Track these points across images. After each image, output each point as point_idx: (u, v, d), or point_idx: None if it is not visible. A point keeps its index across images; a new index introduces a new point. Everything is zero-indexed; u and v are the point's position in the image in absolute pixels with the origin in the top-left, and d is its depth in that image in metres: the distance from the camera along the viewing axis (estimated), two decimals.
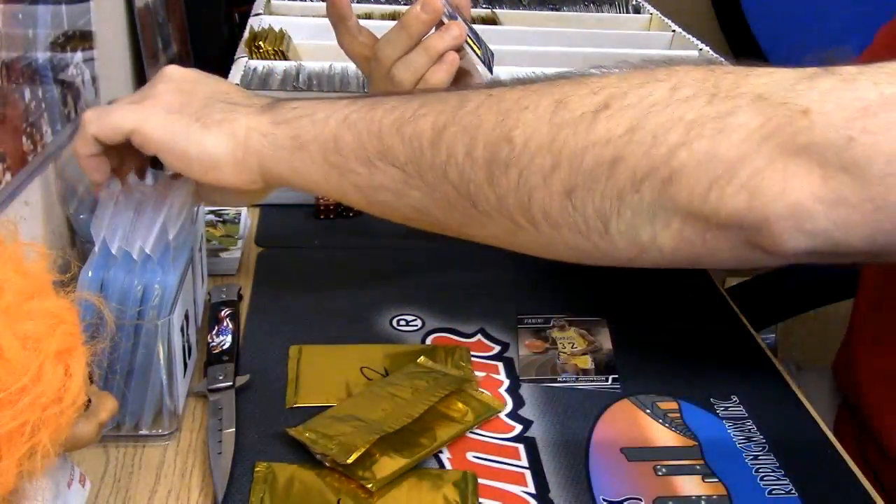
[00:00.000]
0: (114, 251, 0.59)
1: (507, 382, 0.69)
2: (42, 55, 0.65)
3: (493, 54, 0.78)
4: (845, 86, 0.45)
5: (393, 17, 1.25)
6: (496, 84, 0.56)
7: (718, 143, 0.45)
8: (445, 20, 0.71)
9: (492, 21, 1.27)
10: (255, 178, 0.60)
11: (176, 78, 0.60)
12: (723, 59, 1.09)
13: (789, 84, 0.46)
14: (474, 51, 0.73)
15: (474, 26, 0.77)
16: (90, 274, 0.58)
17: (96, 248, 0.59)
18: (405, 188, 0.55)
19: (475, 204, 0.52)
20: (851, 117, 0.44)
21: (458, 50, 0.72)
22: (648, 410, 0.67)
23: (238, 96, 0.60)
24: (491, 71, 0.76)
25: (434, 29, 0.72)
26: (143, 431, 0.61)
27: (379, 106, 0.55)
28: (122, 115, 0.57)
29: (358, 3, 1.29)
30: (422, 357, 0.69)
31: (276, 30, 1.10)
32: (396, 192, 0.55)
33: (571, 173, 0.48)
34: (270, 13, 1.22)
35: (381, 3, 1.30)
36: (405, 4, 1.30)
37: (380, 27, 1.18)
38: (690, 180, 0.45)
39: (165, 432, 0.61)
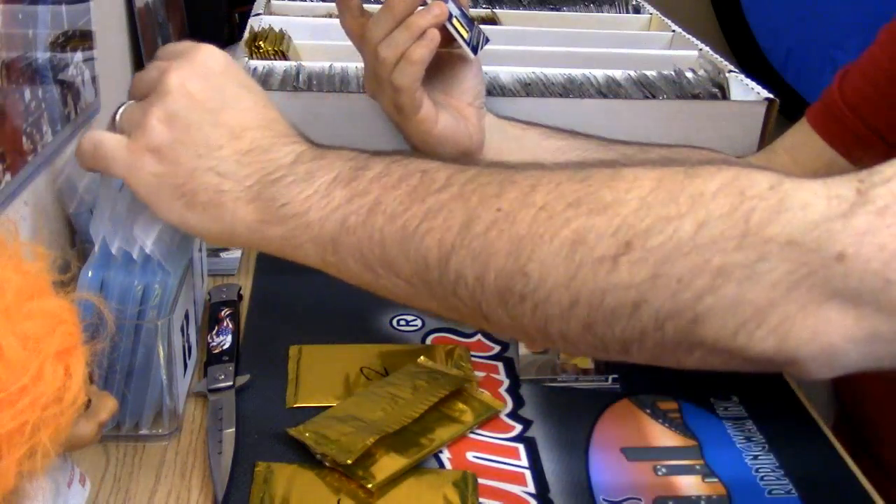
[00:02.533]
0: (114, 251, 0.59)
1: (507, 382, 0.69)
2: (42, 55, 0.65)
3: (487, 39, 0.78)
4: (881, 222, 0.41)
5: None
6: (500, 169, 0.50)
7: (747, 289, 0.43)
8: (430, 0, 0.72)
9: (492, 21, 1.27)
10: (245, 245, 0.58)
11: (177, 95, 0.54)
12: (723, 59, 1.09)
13: (823, 223, 0.42)
14: (459, 32, 0.74)
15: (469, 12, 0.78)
16: (90, 274, 0.58)
17: (96, 248, 0.59)
18: (412, 295, 0.52)
19: (487, 318, 0.49)
20: (890, 260, 0.41)
21: (443, 30, 0.73)
22: (648, 410, 0.67)
23: (229, 162, 0.53)
24: (476, 52, 0.76)
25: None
26: (143, 431, 0.61)
27: (377, 210, 0.50)
28: (111, 158, 0.54)
29: None
30: (422, 357, 0.69)
31: (276, 30, 1.10)
32: (404, 296, 0.52)
33: (591, 311, 0.45)
34: (270, 13, 1.22)
35: (382, 2, 1.30)
36: None
37: None
38: (717, 323, 0.43)
39: (165, 432, 0.61)
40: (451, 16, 0.72)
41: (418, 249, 0.49)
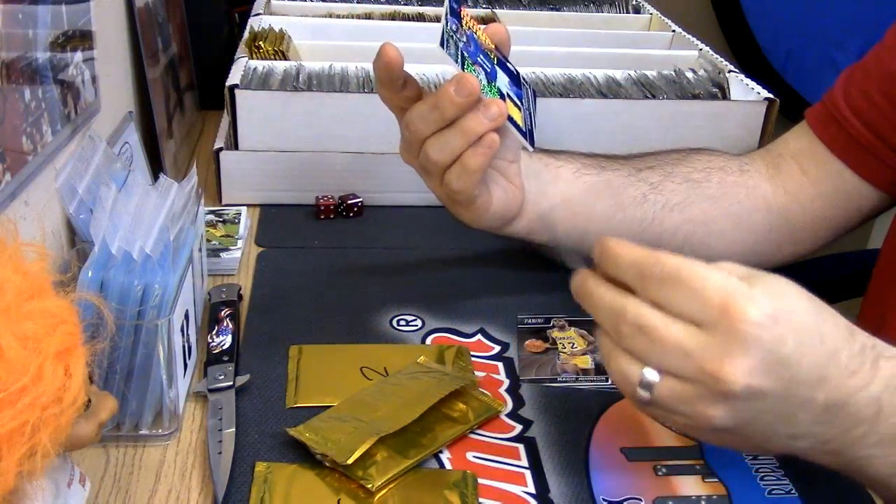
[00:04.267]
0: (114, 251, 0.59)
1: (507, 382, 0.69)
2: (42, 55, 0.65)
3: (535, 94, 0.67)
4: None
5: (392, 16, 1.25)
6: None
7: None
8: (484, 95, 0.62)
9: (492, 21, 1.27)
10: None
11: (745, 400, 0.46)
12: (723, 59, 1.09)
13: None
14: (516, 124, 0.64)
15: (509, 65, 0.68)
16: (90, 274, 0.58)
17: (96, 248, 0.59)
18: None
19: None
20: None
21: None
22: None
23: (807, 425, 0.48)
24: (533, 144, 0.65)
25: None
26: (143, 431, 0.61)
27: None
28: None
29: (358, 2, 1.29)
30: (422, 357, 0.69)
31: (276, 30, 1.10)
32: None
33: None
34: (270, 13, 1.22)
35: (381, 2, 1.30)
36: (405, 4, 1.30)
37: (380, 27, 1.19)
38: None
39: (165, 432, 0.61)
40: (501, 93, 0.63)
41: None
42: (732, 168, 0.83)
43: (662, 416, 0.50)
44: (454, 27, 0.62)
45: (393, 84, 0.66)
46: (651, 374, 0.47)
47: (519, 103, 0.64)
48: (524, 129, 0.65)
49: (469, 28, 0.63)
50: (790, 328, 0.46)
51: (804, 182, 0.82)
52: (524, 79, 0.66)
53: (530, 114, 0.66)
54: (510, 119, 0.64)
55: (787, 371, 0.46)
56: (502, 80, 0.63)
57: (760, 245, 0.82)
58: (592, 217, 0.77)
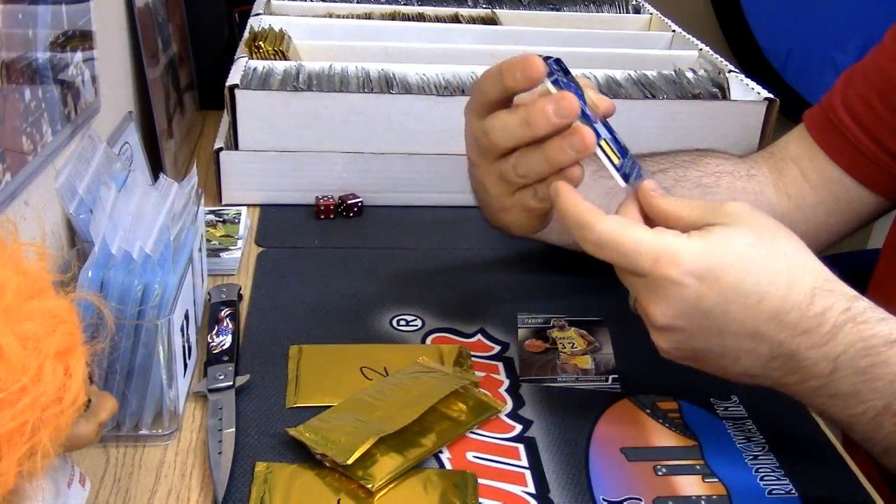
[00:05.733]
0: (114, 251, 0.59)
1: (507, 382, 0.69)
2: (42, 55, 0.65)
3: (641, 173, 0.60)
4: None
5: (392, 16, 1.25)
6: None
7: None
8: (577, 121, 0.57)
9: (492, 21, 1.27)
10: None
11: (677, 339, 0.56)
12: (723, 59, 1.09)
13: None
14: (607, 155, 0.59)
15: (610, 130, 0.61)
16: (90, 274, 0.58)
17: (96, 248, 0.59)
18: None
19: None
20: None
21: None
22: (648, 410, 0.67)
23: (757, 367, 0.56)
24: (627, 180, 0.59)
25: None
26: (143, 431, 0.61)
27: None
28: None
29: (358, 2, 1.29)
30: (422, 357, 0.69)
31: (276, 30, 1.10)
32: None
33: None
34: (270, 13, 1.22)
35: (381, 2, 1.30)
36: (405, 4, 1.30)
37: (380, 27, 1.19)
38: None
39: (165, 432, 0.61)
40: (598, 136, 0.58)
41: None
42: (741, 173, 0.83)
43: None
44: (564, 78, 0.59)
45: (506, 94, 0.60)
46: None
47: (618, 150, 0.60)
48: (620, 169, 0.59)
49: (577, 84, 0.60)
50: (715, 288, 0.53)
51: (805, 188, 0.82)
52: (631, 156, 0.61)
53: (630, 170, 0.60)
54: (604, 155, 0.59)
55: (711, 322, 0.54)
56: (604, 133, 0.59)
57: None
58: None
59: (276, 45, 1.05)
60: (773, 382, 0.57)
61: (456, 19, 1.27)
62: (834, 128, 0.80)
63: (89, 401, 0.48)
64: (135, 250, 0.59)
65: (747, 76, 1.04)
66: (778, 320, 0.53)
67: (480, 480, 0.59)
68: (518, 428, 0.64)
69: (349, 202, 0.93)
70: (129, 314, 0.59)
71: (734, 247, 0.53)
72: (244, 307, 0.77)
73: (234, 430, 0.61)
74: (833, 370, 0.53)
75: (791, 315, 0.53)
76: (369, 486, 0.57)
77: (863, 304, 0.54)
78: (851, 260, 1.18)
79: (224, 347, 0.69)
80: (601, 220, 0.55)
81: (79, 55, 0.74)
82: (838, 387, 0.54)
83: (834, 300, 0.54)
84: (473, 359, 0.71)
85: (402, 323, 0.76)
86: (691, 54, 1.14)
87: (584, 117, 0.58)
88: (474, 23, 1.26)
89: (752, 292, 0.53)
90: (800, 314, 0.53)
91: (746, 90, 1.01)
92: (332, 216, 0.93)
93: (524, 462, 0.61)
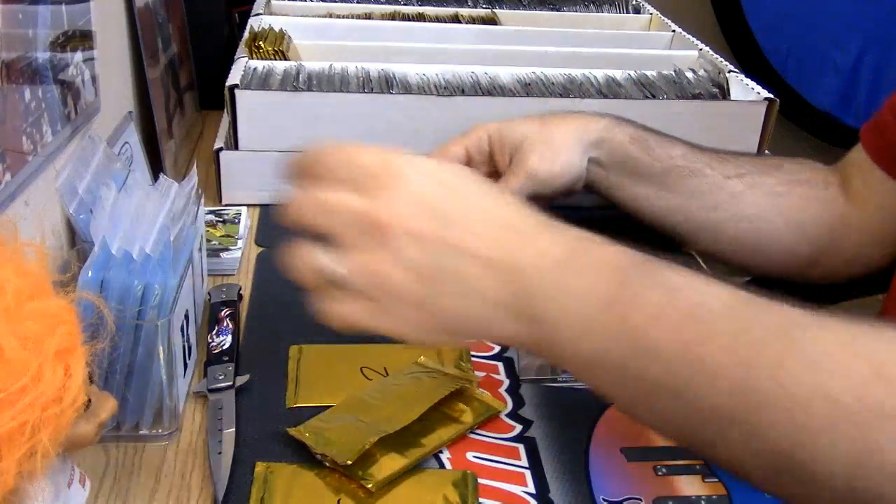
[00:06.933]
0: (114, 251, 0.59)
1: (507, 382, 0.69)
2: (42, 55, 0.65)
3: None
4: None
5: (392, 16, 1.25)
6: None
7: None
8: None
9: (492, 21, 1.27)
10: None
11: (404, 241, 0.49)
12: (723, 59, 1.09)
13: None
14: None
15: None
16: (90, 274, 0.58)
17: (96, 248, 0.59)
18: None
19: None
20: None
21: None
22: None
23: (482, 282, 0.49)
24: None
25: None
26: (143, 431, 0.61)
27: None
28: (359, 325, 0.51)
29: (358, 2, 1.29)
30: (422, 357, 0.69)
31: (276, 30, 1.10)
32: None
33: None
34: (270, 13, 1.22)
35: (381, 2, 1.30)
36: (405, 4, 1.30)
37: (380, 27, 1.19)
38: None
39: (165, 432, 0.61)
40: None
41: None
42: (817, 180, 0.82)
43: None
44: None
45: None
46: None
47: None
48: None
49: None
50: (445, 187, 0.50)
51: (870, 198, 0.80)
52: None
53: None
54: None
55: (445, 227, 0.49)
56: None
57: (812, 256, 0.82)
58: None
59: (276, 45, 1.05)
60: (510, 338, 0.51)
61: (456, 19, 1.27)
62: (887, 139, 0.78)
63: (89, 401, 0.48)
64: (135, 250, 0.59)
65: (747, 76, 1.04)
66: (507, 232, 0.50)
67: (480, 480, 0.59)
68: (518, 428, 0.64)
69: None
70: (129, 314, 0.58)
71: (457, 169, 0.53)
72: (244, 307, 0.77)
73: (234, 430, 0.61)
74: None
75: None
76: (369, 486, 0.57)
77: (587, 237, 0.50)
78: None
79: (224, 347, 0.69)
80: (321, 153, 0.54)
81: (79, 55, 0.74)
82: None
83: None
84: (473, 359, 0.71)
85: None
86: (691, 54, 1.14)
87: None
88: (474, 23, 1.26)
89: (479, 207, 0.50)
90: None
91: (746, 90, 1.01)
92: None
93: (524, 462, 0.61)
